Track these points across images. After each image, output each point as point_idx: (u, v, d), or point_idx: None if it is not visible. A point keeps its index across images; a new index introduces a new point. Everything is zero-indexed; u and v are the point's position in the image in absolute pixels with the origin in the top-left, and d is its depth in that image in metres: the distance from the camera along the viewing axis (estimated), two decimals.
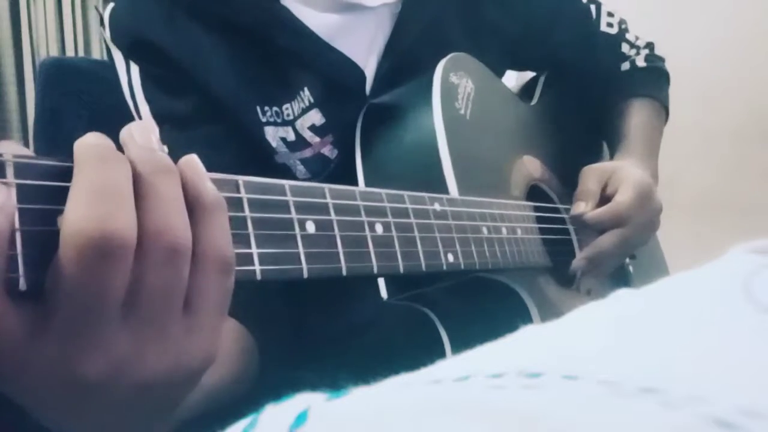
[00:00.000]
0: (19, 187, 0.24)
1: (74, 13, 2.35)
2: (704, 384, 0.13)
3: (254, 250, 0.32)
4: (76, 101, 0.82)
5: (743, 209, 1.51)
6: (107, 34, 0.61)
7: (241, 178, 0.32)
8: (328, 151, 0.66)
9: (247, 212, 0.32)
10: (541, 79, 0.87)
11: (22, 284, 0.24)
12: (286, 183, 0.35)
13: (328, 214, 0.37)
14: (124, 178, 0.26)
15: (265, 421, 0.14)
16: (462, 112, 0.62)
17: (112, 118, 0.61)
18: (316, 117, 0.64)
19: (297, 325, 0.64)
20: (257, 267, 0.32)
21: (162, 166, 0.28)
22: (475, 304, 0.59)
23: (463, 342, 0.55)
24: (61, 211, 0.25)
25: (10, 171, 0.24)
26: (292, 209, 0.34)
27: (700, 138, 1.59)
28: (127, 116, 0.61)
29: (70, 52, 2.31)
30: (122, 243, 0.25)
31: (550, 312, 0.63)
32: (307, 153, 0.65)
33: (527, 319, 0.59)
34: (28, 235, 0.24)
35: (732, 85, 1.55)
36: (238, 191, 0.32)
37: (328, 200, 0.37)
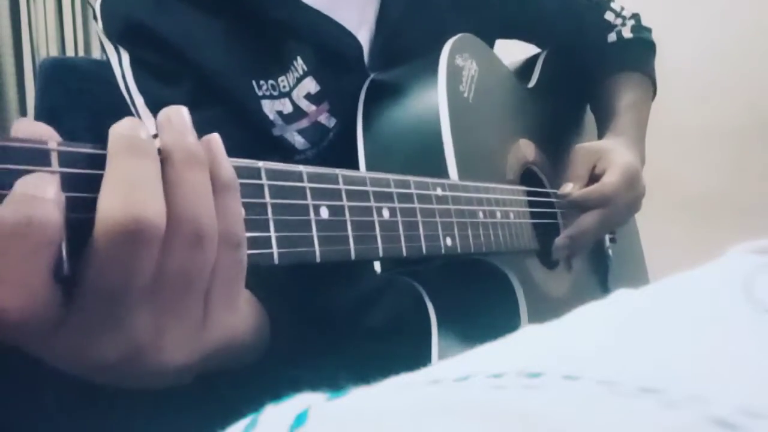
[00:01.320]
0: (62, 175, 0.25)
1: (74, 13, 2.35)
2: (704, 384, 0.13)
3: (272, 234, 0.33)
4: (76, 101, 0.82)
5: (743, 209, 1.51)
6: (100, 25, 0.61)
7: (263, 165, 0.33)
8: (325, 119, 0.66)
9: (267, 198, 0.33)
10: (539, 61, 0.88)
11: (67, 270, 0.25)
12: (303, 169, 0.36)
13: (341, 199, 0.38)
14: (155, 168, 0.27)
15: (265, 421, 0.14)
16: (465, 95, 0.62)
17: (112, 118, 0.61)
18: (310, 85, 0.64)
19: (296, 305, 0.64)
20: (275, 250, 0.33)
21: (192, 154, 0.29)
22: (463, 281, 0.59)
23: (449, 316, 0.56)
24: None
25: (54, 160, 0.25)
26: (308, 195, 0.36)
27: (699, 138, 1.60)
28: (127, 115, 0.61)
29: (70, 52, 2.30)
30: (152, 228, 0.25)
31: (535, 291, 0.64)
32: (304, 123, 0.65)
33: (512, 297, 0.60)
34: (71, 222, 0.25)
35: (732, 85, 1.55)
36: (260, 178, 0.33)
37: (341, 186, 0.38)
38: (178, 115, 0.30)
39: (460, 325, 0.54)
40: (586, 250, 0.75)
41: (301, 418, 0.13)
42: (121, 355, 0.27)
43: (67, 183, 0.25)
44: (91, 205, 0.25)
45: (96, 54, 2.36)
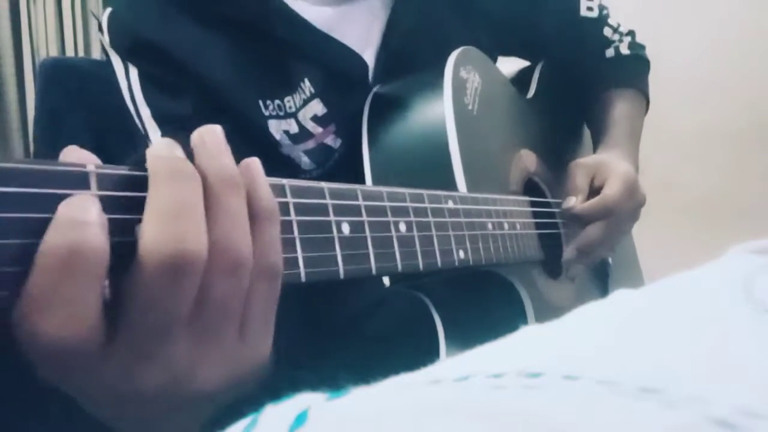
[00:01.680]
0: (101, 198, 0.24)
1: (74, 13, 2.35)
2: (704, 384, 0.13)
3: (299, 254, 0.32)
4: (76, 101, 0.82)
5: (742, 210, 1.51)
6: (106, 39, 0.61)
7: (287, 182, 0.33)
8: (331, 140, 0.66)
9: (293, 216, 0.33)
10: (537, 72, 0.88)
11: (108, 294, 0.25)
12: (325, 185, 0.36)
13: (360, 215, 0.38)
14: (197, 196, 0.26)
15: (265, 421, 0.14)
16: (470, 107, 0.62)
17: (112, 118, 0.61)
18: (317, 107, 0.64)
19: (304, 311, 0.64)
20: (302, 270, 0.32)
21: (230, 179, 0.28)
22: (470, 292, 0.59)
23: (456, 328, 0.56)
24: (138, 221, 0.25)
25: (93, 182, 0.24)
26: (331, 212, 0.35)
27: (699, 139, 1.60)
28: (127, 116, 0.61)
29: (70, 52, 2.30)
30: (195, 261, 0.25)
31: (542, 302, 0.64)
32: (311, 144, 0.65)
33: (520, 309, 0.60)
34: (112, 245, 0.24)
35: (732, 86, 1.55)
36: (285, 195, 0.33)
37: (360, 202, 0.38)
38: (213, 135, 0.29)
39: (468, 336, 0.54)
40: (597, 260, 0.75)
41: (301, 418, 0.13)
42: (160, 385, 0.26)
43: (107, 206, 0.24)
44: (130, 227, 0.25)
45: (96, 54, 2.35)
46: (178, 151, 0.27)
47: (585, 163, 0.73)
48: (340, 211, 0.36)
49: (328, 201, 0.35)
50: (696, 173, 1.60)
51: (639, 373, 0.13)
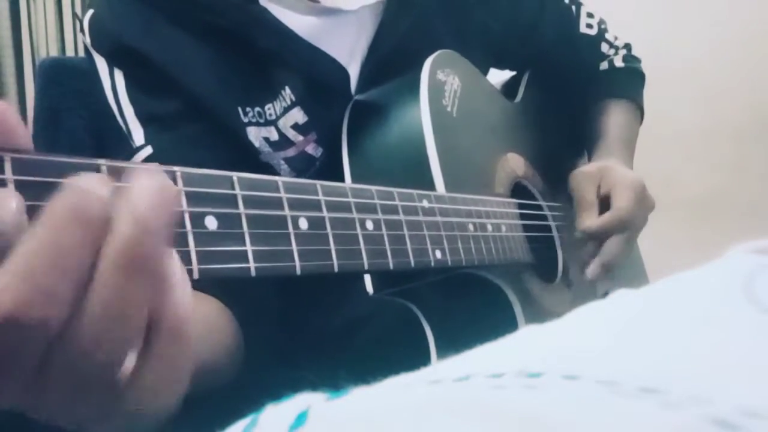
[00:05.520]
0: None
1: (74, 13, 2.35)
2: (704, 384, 0.13)
3: (249, 248, 0.32)
4: (76, 101, 0.82)
5: (743, 209, 1.51)
6: (87, 40, 0.61)
7: (236, 175, 0.32)
8: (312, 149, 0.66)
9: (241, 209, 0.32)
10: (525, 77, 0.88)
11: None
12: (279, 180, 0.35)
13: (321, 211, 0.37)
14: (83, 263, 0.21)
15: (266, 421, 0.14)
16: (449, 109, 0.62)
17: (111, 118, 0.61)
18: (298, 115, 0.64)
19: (287, 320, 0.64)
20: (252, 264, 0.32)
21: (141, 267, 0.22)
22: (459, 299, 0.59)
23: (447, 337, 0.56)
24: None
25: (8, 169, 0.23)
26: (286, 206, 0.35)
27: (700, 138, 1.60)
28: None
29: (70, 52, 2.30)
30: (40, 330, 0.21)
31: (533, 307, 0.63)
32: (291, 152, 0.65)
33: (510, 313, 0.59)
34: None
35: (732, 85, 1.55)
36: (233, 188, 0.32)
37: (321, 197, 0.37)
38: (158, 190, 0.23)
39: (459, 344, 0.54)
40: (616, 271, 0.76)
41: (301, 418, 0.13)
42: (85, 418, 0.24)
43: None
44: None
45: None
46: (97, 201, 0.21)
47: (588, 172, 0.72)
48: (296, 205, 0.35)
49: (283, 195, 0.35)
50: (697, 172, 1.60)
51: (639, 373, 0.13)
